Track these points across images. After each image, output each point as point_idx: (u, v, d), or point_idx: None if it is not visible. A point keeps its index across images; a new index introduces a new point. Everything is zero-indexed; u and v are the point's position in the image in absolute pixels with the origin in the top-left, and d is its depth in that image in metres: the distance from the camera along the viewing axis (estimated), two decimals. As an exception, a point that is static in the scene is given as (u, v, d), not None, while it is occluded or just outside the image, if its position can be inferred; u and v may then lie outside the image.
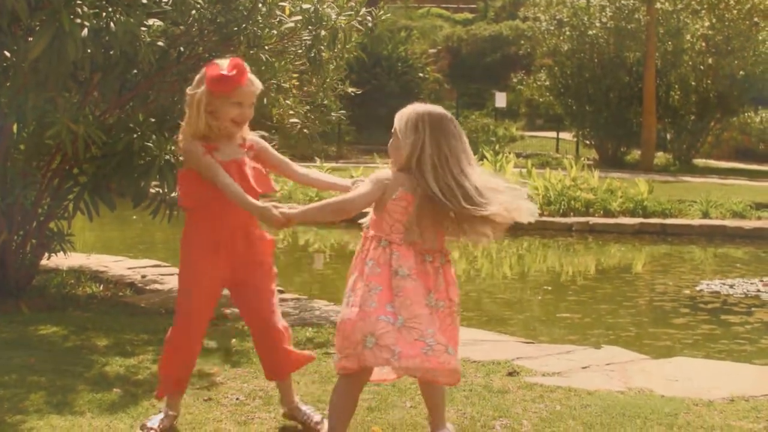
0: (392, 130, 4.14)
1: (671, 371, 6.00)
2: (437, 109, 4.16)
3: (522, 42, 32.70)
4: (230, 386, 5.23)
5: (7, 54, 7.26)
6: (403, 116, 4.12)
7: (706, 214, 16.13)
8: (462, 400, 5.12)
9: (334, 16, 7.70)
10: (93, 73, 7.20)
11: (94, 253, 10.39)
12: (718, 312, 9.34)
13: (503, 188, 4.10)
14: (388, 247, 4.08)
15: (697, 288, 10.51)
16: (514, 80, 33.88)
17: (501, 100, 33.02)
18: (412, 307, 4.00)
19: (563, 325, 8.74)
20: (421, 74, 37.37)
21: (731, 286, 10.54)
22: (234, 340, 6.36)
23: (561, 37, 29.09)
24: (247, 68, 4.47)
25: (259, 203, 4.33)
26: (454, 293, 4.18)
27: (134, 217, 13.88)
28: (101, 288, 8.58)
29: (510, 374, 5.75)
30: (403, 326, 3.96)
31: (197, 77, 4.48)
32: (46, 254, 8.20)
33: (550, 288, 10.77)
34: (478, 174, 4.08)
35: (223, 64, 4.39)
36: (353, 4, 7.91)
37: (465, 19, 50.85)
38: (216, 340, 6.33)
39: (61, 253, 8.25)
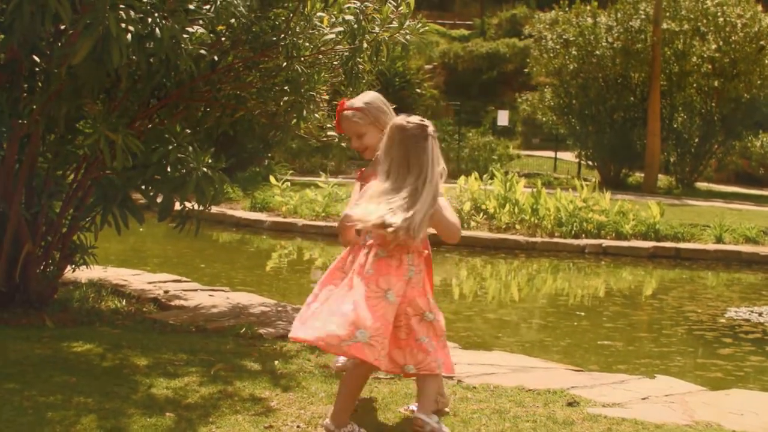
0: None
1: (734, 405, 5.78)
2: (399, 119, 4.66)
3: (528, 60, 32.51)
4: (287, 412, 4.97)
5: (37, 59, 7.05)
6: None
7: (719, 239, 15.94)
8: (529, 431, 4.88)
9: (377, 29, 7.48)
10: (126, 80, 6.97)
11: (110, 266, 10.11)
12: (761, 343, 9.16)
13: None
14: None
15: (726, 315, 10.32)
16: (519, 99, 33.67)
17: (503, 118, 32.90)
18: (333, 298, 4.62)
19: (608, 352, 8.52)
20: (418, 90, 37.19)
21: (760, 314, 10.36)
22: (277, 362, 6.10)
23: (567, 57, 28.94)
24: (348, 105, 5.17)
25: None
26: None
27: (141, 229, 13.64)
28: (124, 303, 8.32)
29: (570, 404, 5.52)
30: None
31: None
32: (69, 267, 7.95)
33: (583, 314, 10.53)
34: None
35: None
36: (393, 16, 7.69)
37: (461, 36, 50.84)
38: (258, 362, 6.08)
39: (83, 266, 8.02)
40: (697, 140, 28.61)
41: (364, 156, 5.15)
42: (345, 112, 5.12)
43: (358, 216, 4.50)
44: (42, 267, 7.67)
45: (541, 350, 8.27)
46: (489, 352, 7.18)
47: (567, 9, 30.25)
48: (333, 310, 4.47)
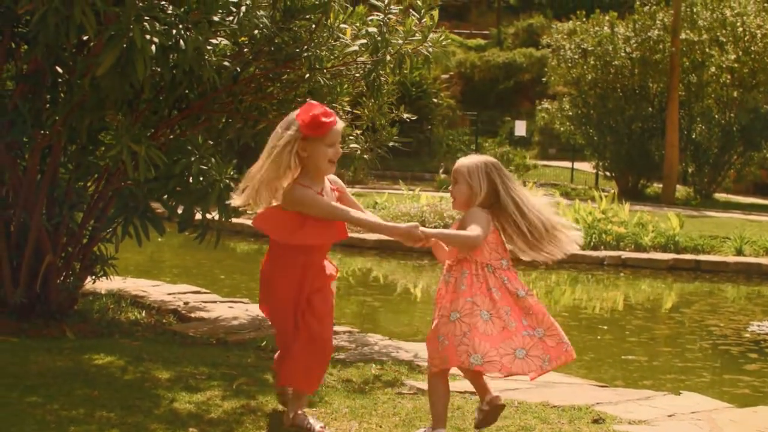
0: (454, 179, 4.90)
1: (762, 422, 5.71)
2: (491, 158, 4.99)
3: (546, 69, 32.44)
4: (312, 429, 4.93)
5: (60, 70, 7.04)
6: (469, 166, 4.86)
7: (740, 251, 15.80)
8: (555, 449, 4.84)
9: (400, 41, 7.44)
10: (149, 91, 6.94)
11: (129, 277, 10.09)
12: (788, 358, 9.07)
13: (560, 230, 4.95)
14: (495, 272, 4.80)
15: (749, 329, 10.23)
16: (538, 107, 33.57)
17: (521, 128, 32.83)
18: (546, 318, 4.80)
19: (632, 367, 8.45)
20: (434, 100, 37.05)
21: (783, 329, 10.32)
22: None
23: (585, 67, 28.88)
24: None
25: (401, 225, 4.85)
26: None
27: (160, 239, 13.61)
28: (144, 314, 8.30)
29: (595, 421, 5.46)
30: (544, 335, 4.78)
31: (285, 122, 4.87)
32: (89, 278, 7.93)
33: (606, 327, 10.45)
34: (541, 209, 4.92)
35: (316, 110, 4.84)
36: (416, 29, 7.64)
37: (478, 45, 50.76)
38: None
39: (103, 276, 7.99)
40: (715, 151, 28.46)
41: (332, 168, 5.05)
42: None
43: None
44: (62, 278, 7.64)
45: (563, 365, 8.19)
46: (511, 366, 7.09)
47: (584, 19, 30.21)
48: None
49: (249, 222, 17.64)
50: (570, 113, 30.16)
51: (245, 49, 7.31)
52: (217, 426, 4.86)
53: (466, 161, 4.92)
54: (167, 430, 4.72)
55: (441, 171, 27.88)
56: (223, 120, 7.85)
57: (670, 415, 5.76)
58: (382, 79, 7.85)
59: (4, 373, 5.64)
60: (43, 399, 5.13)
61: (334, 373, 6.13)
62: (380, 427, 5.00)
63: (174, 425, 4.81)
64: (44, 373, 5.71)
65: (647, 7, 29.13)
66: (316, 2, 7.13)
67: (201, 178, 6.90)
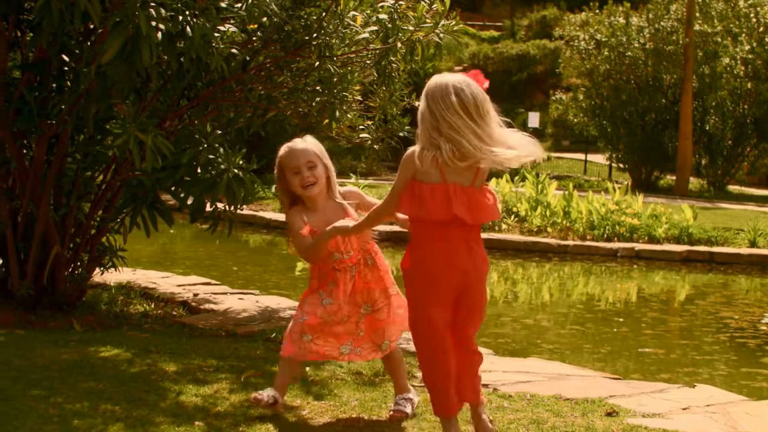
0: (311, 163, 4.95)
1: (778, 415, 5.61)
2: None
3: (560, 61, 32.32)
4: (320, 422, 4.83)
5: (66, 58, 6.96)
6: (323, 150, 5.06)
7: (753, 243, 15.68)
8: (569, 443, 4.74)
9: (411, 28, 7.34)
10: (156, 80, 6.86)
11: (139, 269, 10.01)
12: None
13: None
14: None
15: (764, 321, 10.12)
16: (552, 97, 33.45)
17: (534, 120, 32.70)
18: None
19: (649, 360, 8.34)
20: (447, 91, 36.82)
21: (798, 321, 10.21)
22: (308, 368, 5.96)
23: (599, 58, 28.76)
24: None
25: None
26: None
27: (171, 231, 13.56)
28: (153, 306, 8.21)
29: (609, 414, 5.36)
30: None
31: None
32: (98, 269, 7.85)
33: (622, 319, 10.33)
34: None
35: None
36: (427, 15, 7.54)
37: (491, 37, 50.63)
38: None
39: (112, 268, 7.91)
40: (729, 143, 28.34)
41: None
42: None
43: None
44: (70, 269, 7.57)
45: (578, 357, 8.11)
46: (524, 359, 7.02)
47: (598, 11, 30.10)
48: None
49: (260, 213, 17.66)
50: (583, 105, 30.04)
51: (254, 37, 7.22)
52: (224, 419, 4.78)
53: (317, 146, 5.00)
54: (173, 424, 4.63)
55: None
56: (233, 109, 7.76)
57: (684, 408, 5.65)
58: (394, 66, 7.76)
59: (9, 366, 5.57)
60: (47, 392, 5.05)
61: (344, 365, 6.03)
62: (389, 419, 4.91)
63: (180, 418, 4.72)
64: (49, 366, 5.63)
65: (661, -2, 29.03)
66: (326, -11, 7.06)
67: (209, 168, 6.81)
